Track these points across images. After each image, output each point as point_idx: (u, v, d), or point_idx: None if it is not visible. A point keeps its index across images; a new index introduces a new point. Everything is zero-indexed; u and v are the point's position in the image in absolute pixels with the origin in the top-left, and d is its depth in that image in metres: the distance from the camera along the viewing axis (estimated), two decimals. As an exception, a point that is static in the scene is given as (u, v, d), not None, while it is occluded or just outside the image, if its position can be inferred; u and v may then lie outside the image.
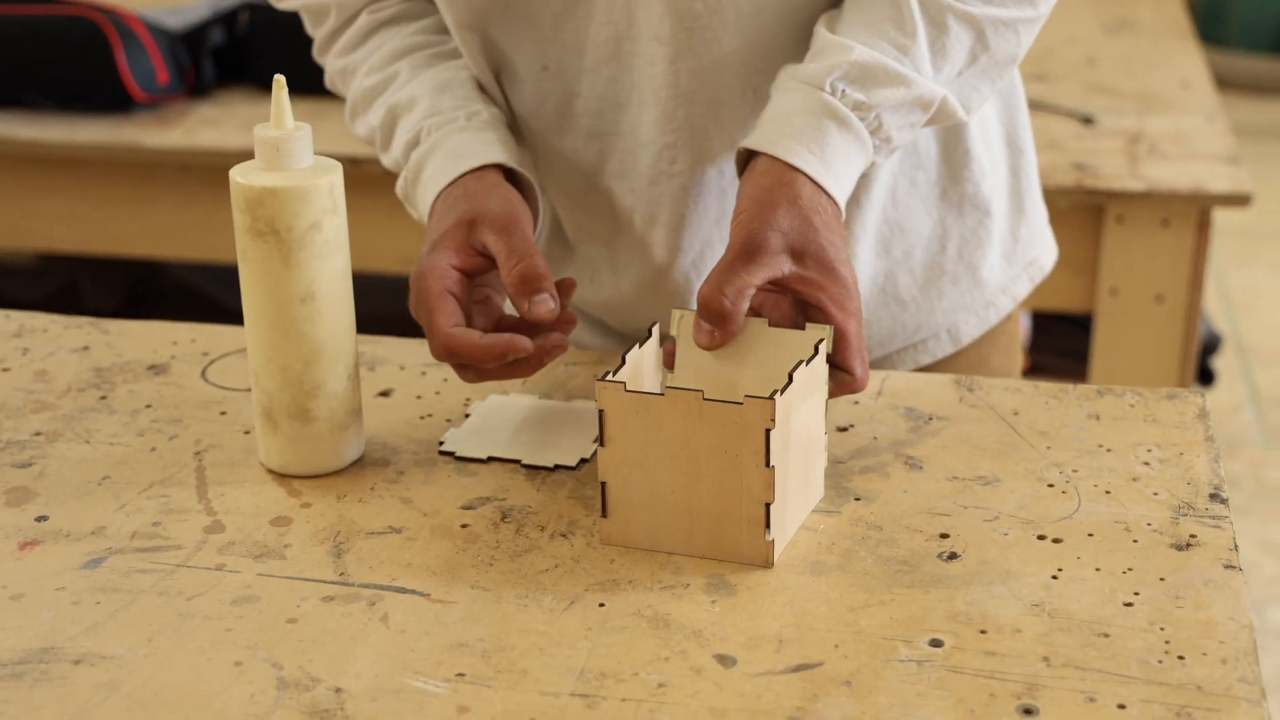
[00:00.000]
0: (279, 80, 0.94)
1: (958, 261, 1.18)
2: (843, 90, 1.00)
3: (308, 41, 1.20)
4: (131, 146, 2.04)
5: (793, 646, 0.82)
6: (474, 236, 1.00)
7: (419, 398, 1.10)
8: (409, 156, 1.09)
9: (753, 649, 0.82)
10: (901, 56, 1.00)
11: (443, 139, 1.07)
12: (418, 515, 0.95)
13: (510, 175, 1.06)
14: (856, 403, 1.06)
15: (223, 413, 1.08)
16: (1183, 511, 0.95)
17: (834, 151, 0.99)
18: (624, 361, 0.92)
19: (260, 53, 2.16)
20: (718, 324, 0.95)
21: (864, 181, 1.13)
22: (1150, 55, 2.40)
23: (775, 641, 0.83)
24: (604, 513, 0.91)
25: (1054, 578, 0.88)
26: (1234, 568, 0.89)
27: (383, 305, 1.20)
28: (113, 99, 2.07)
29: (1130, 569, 0.89)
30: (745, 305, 0.95)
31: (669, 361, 0.99)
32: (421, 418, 1.07)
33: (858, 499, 0.96)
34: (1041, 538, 0.92)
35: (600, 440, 0.90)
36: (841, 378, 0.97)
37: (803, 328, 0.96)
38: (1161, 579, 0.88)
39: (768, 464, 0.87)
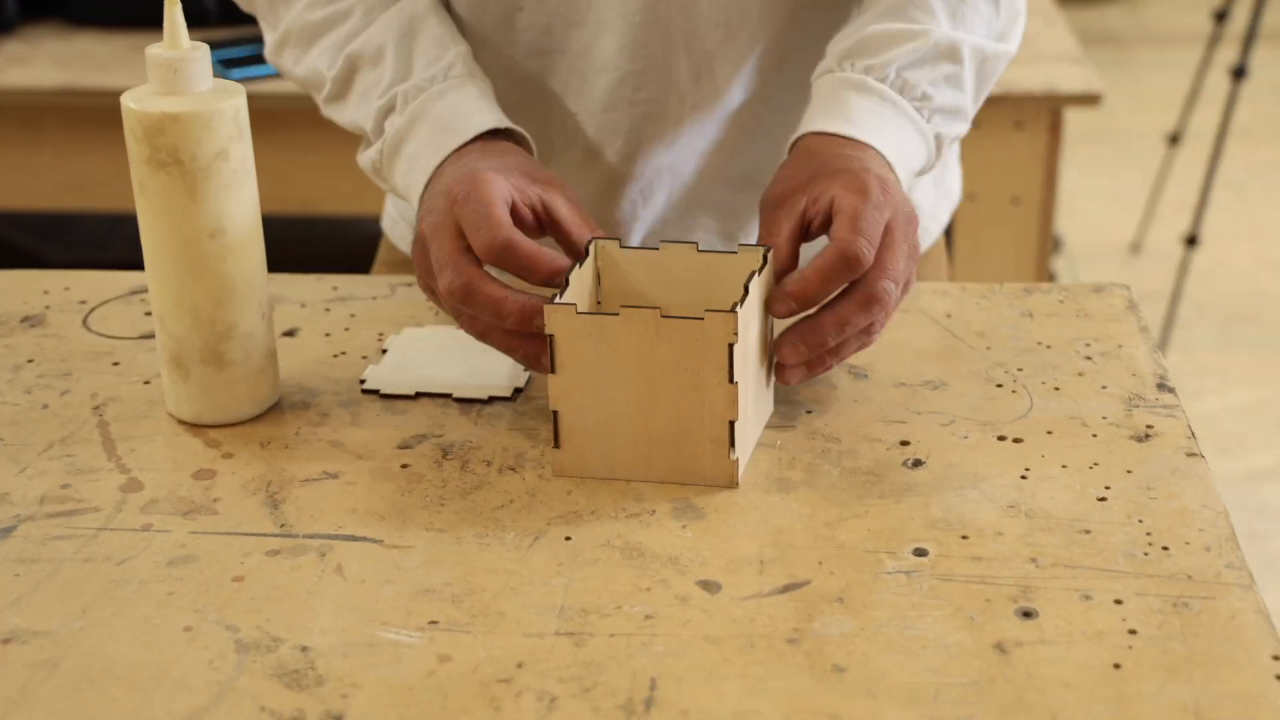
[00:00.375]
0: (171, -3, 0.87)
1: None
2: (850, 64, 0.98)
3: None
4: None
5: (775, 566, 0.79)
6: (529, 187, 0.92)
7: (327, 335, 1.04)
8: (383, 125, 1.00)
9: (734, 572, 0.79)
10: (912, 26, 1.00)
11: (424, 107, 0.99)
12: (352, 458, 0.90)
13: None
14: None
15: (115, 363, 1.01)
16: (1134, 403, 0.93)
17: (861, 113, 0.96)
18: (566, 283, 0.87)
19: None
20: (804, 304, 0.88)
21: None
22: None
23: (756, 563, 0.80)
24: (556, 443, 0.87)
25: (1023, 478, 0.86)
26: (1196, 455, 0.88)
27: (283, 250, 1.12)
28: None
29: (1096, 464, 0.87)
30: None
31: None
32: (335, 356, 1.01)
33: (809, 411, 0.93)
34: (1002, 439, 0.90)
35: (550, 367, 0.85)
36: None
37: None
38: (1129, 471, 0.87)
39: (731, 380, 0.84)
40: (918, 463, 0.88)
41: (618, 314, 0.83)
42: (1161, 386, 0.95)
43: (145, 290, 1.10)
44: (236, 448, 0.91)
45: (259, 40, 1.35)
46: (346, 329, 1.05)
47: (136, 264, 0.95)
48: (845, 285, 0.87)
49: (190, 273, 0.89)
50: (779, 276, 0.90)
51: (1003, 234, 2.01)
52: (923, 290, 1.06)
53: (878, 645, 0.73)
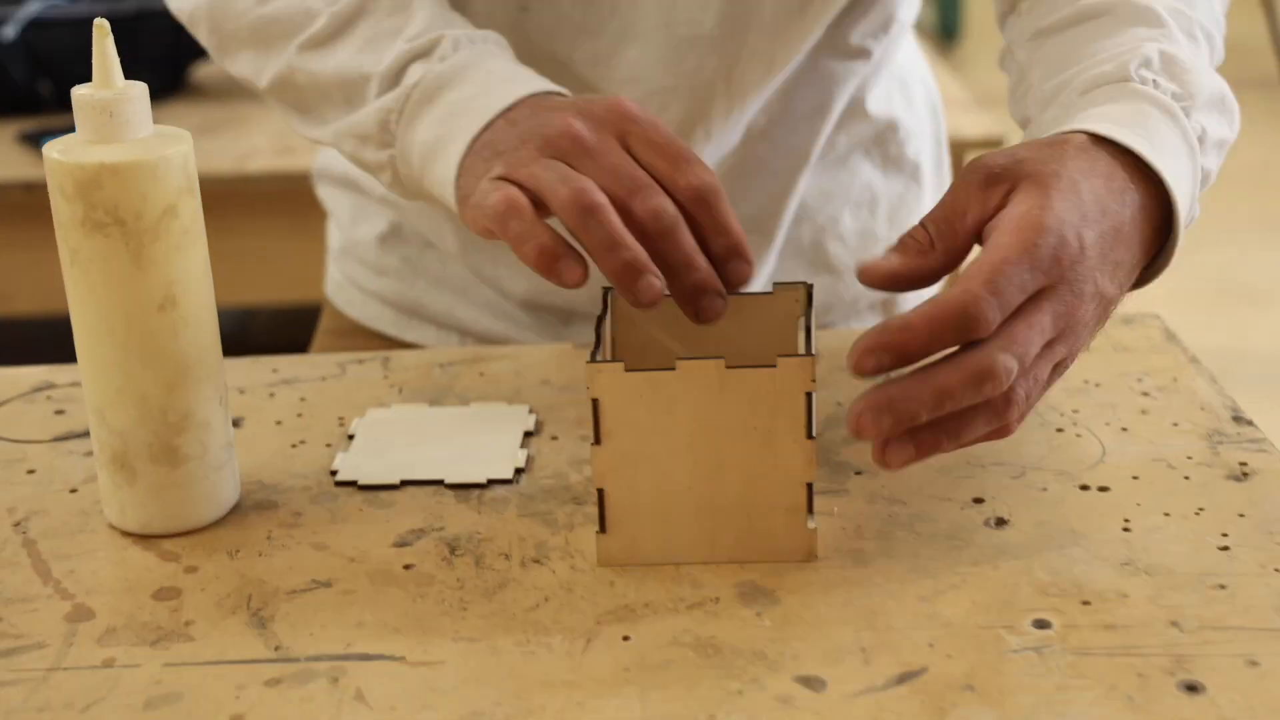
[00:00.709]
0: (101, 25, 0.73)
1: (889, 227, 1.06)
2: (1154, 80, 0.80)
3: None
4: None
5: (881, 654, 0.67)
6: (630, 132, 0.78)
7: (278, 423, 0.89)
8: (407, 71, 0.85)
9: (835, 664, 0.67)
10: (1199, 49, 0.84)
11: (476, 58, 0.84)
12: (343, 562, 0.76)
13: None
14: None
15: (30, 471, 0.85)
16: (1215, 440, 0.84)
17: (1164, 141, 0.77)
18: (599, 338, 0.74)
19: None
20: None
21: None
22: None
23: (857, 651, 0.67)
24: (602, 527, 0.74)
25: (1126, 530, 0.76)
26: (1303, 493, 0.78)
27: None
28: None
29: (1201, 509, 0.77)
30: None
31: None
32: (293, 446, 0.87)
33: (859, 473, 0.82)
34: (1085, 488, 0.80)
35: (595, 437, 0.72)
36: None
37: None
38: (1241, 515, 0.76)
39: (809, 434, 0.72)
40: (1001, 521, 0.77)
41: (674, 369, 0.71)
42: (1238, 419, 0.86)
43: (50, 386, 0.95)
44: (199, 559, 0.76)
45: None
46: (299, 415, 0.90)
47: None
48: (954, 348, 0.70)
49: (136, 353, 0.75)
50: (913, 278, 0.73)
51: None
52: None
53: (1034, 739, 0.62)
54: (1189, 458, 0.82)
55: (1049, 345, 0.71)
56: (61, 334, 0.82)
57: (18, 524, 0.80)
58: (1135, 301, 0.82)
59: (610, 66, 0.94)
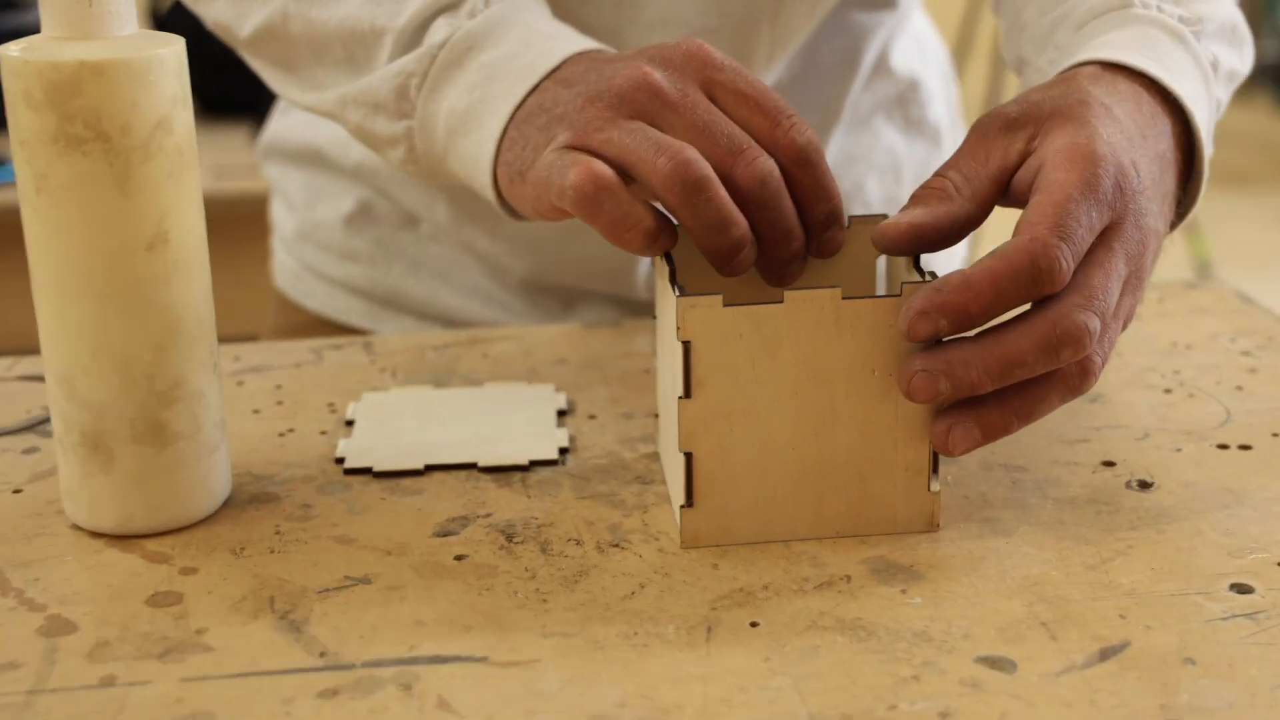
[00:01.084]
0: (74, -100, 0.59)
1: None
2: (1157, 5, 0.71)
3: None
4: None
5: (1068, 628, 0.56)
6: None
7: (256, 411, 0.75)
8: (431, 28, 0.71)
9: (1017, 642, 0.55)
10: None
11: (509, 13, 0.71)
12: (378, 556, 0.62)
13: None
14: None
15: (-41, 473, 0.70)
16: (1343, 395, 0.74)
17: (1176, 64, 0.69)
18: (673, 268, 0.62)
19: None
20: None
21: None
22: None
23: (1038, 626, 0.56)
24: (689, 500, 0.61)
25: (1290, 488, 0.66)
26: None
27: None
28: None
29: (1362, 463, 0.68)
30: None
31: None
32: (280, 435, 0.73)
33: (960, 440, 0.70)
34: (1224, 447, 0.69)
35: (685, 389, 0.60)
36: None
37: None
38: None
39: (937, 381, 0.60)
40: (1145, 484, 0.66)
41: (781, 301, 0.59)
42: (1358, 375, 0.77)
43: (-32, 382, 0.79)
44: (196, 559, 0.62)
45: None
46: (279, 402, 0.76)
47: None
48: (1025, 306, 0.60)
49: (119, 305, 0.60)
50: (940, 229, 0.62)
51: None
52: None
53: (1293, 713, 0.51)
54: (1324, 413, 0.73)
55: (1121, 295, 0.61)
56: None
57: (-45, 529, 0.65)
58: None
59: (638, 7, 0.82)
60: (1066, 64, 0.69)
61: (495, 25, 0.70)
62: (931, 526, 0.63)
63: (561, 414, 0.74)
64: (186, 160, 0.61)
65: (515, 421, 0.73)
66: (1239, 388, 0.76)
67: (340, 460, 0.70)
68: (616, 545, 0.62)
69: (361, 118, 0.74)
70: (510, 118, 0.67)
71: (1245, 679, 0.53)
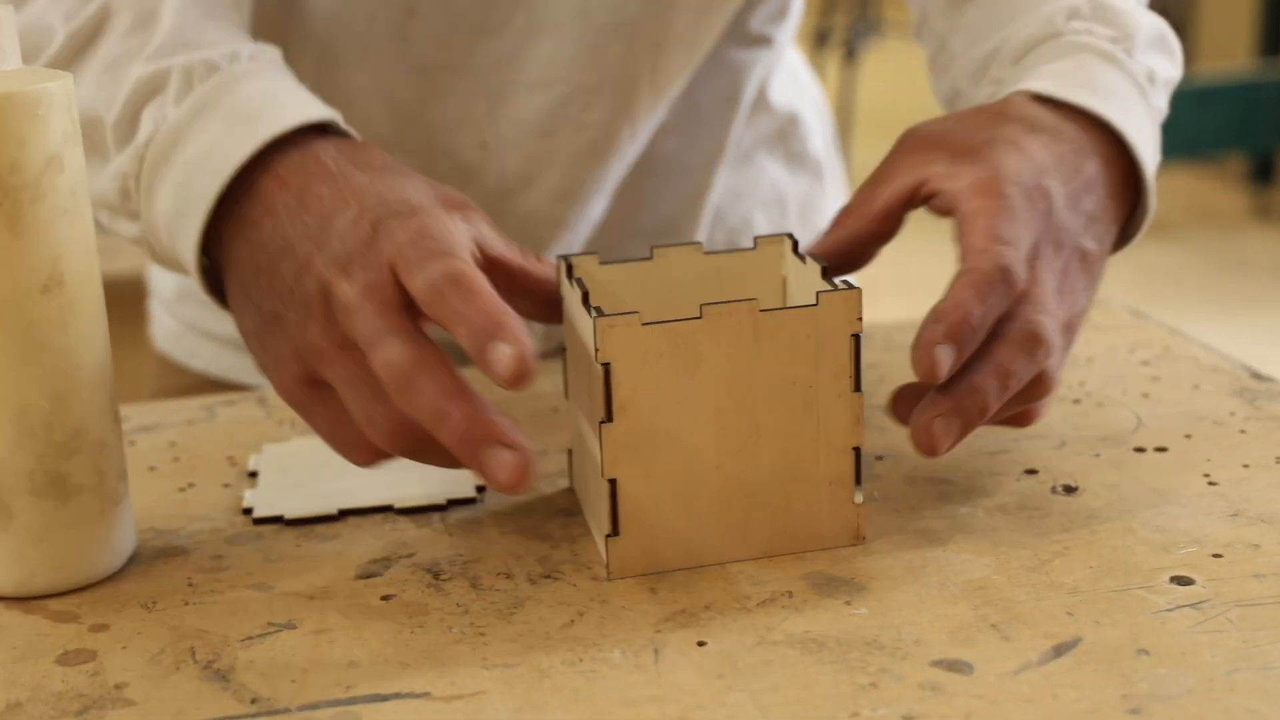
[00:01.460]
0: (-47, -70, 0.57)
1: (802, 227, 0.96)
2: (1087, 29, 0.72)
3: None
4: None
5: (1020, 628, 0.55)
6: (473, 221, 0.61)
7: (152, 469, 0.72)
8: (142, 115, 0.65)
9: (969, 645, 0.54)
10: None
11: (219, 93, 0.64)
12: (301, 601, 0.59)
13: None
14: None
15: None
16: (1248, 395, 0.75)
17: (1110, 87, 0.70)
18: (585, 292, 0.61)
19: None
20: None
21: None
22: None
23: (986, 628, 0.55)
24: (614, 529, 0.60)
25: (1211, 484, 0.66)
26: (1367, 437, 0.70)
27: None
28: None
29: (1247, 463, 0.68)
30: None
31: None
32: (181, 490, 0.70)
33: (880, 458, 0.70)
34: (1140, 450, 0.70)
35: (606, 414, 0.58)
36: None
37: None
38: (1322, 460, 0.68)
39: (857, 387, 0.60)
40: (1070, 488, 0.66)
41: (700, 316, 0.58)
42: (1258, 376, 0.78)
43: None
44: (106, 616, 0.59)
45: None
46: (175, 459, 0.73)
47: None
48: (998, 315, 0.60)
49: (14, 352, 0.57)
50: (840, 250, 0.66)
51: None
52: (896, 327, 0.85)
53: (1255, 696, 0.50)
54: (1232, 414, 0.73)
55: (1067, 301, 0.64)
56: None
57: None
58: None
59: (516, 68, 0.81)
60: (1002, 95, 0.70)
61: (199, 111, 0.64)
62: (857, 539, 0.62)
63: (451, 467, 0.72)
64: (79, 199, 0.58)
65: (414, 466, 0.70)
66: (1145, 395, 0.76)
67: (248, 511, 0.67)
68: (548, 576, 0.60)
69: (107, 220, 0.69)
70: (200, 236, 0.63)
71: (1200, 665, 0.52)
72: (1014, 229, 0.62)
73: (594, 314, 0.58)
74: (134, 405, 0.80)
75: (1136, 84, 0.71)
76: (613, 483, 0.59)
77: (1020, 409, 0.64)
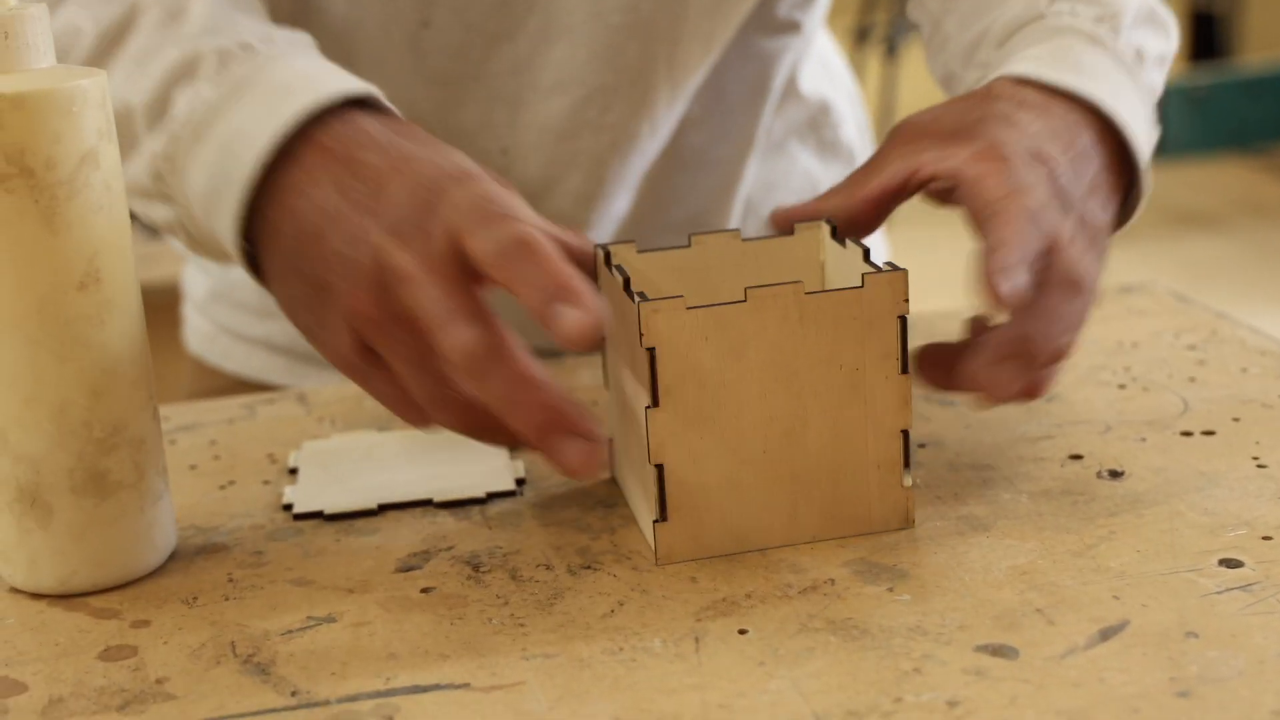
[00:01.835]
0: (-15, -70, 0.57)
1: None
2: (1070, 9, 0.71)
3: None
4: None
5: (1065, 613, 0.54)
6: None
7: (193, 467, 0.72)
8: (172, 95, 0.64)
9: (1014, 630, 0.53)
10: None
11: (255, 73, 0.64)
12: (340, 595, 0.59)
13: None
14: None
15: (-118, 547, 0.66)
16: (1295, 379, 0.74)
17: (1093, 67, 0.69)
18: (627, 278, 0.60)
19: None
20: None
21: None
22: None
23: (1033, 613, 0.54)
24: (662, 514, 0.59)
25: (1261, 466, 0.65)
26: None
27: None
28: None
29: (1326, 440, 0.67)
30: None
31: None
32: (221, 488, 0.70)
33: (921, 445, 0.69)
34: (1187, 434, 0.69)
35: (652, 399, 0.58)
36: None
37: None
38: (1374, 440, 0.67)
39: (904, 369, 0.59)
40: (1116, 473, 0.65)
41: (745, 300, 0.58)
42: (1306, 359, 0.77)
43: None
44: (148, 612, 0.59)
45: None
46: (216, 457, 0.73)
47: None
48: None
49: (51, 348, 0.57)
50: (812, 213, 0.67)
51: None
52: (927, 316, 0.85)
53: (1306, 675, 0.49)
54: (1263, 404, 0.72)
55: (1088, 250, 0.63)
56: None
57: (-116, 602, 0.61)
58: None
59: (533, 72, 0.81)
60: (1001, 72, 0.69)
61: (235, 89, 0.64)
62: (907, 522, 0.61)
63: (513, 448, 0.72)
64: (115, 196, 0.58)
65: (466, 457, 0.70)
66: (1191, 379, 0.75)
67: (288, 507, 0.67)
68: (588, 567, 0.60)
69: (141, 208, 0.69)
70: (240, 212, 0.62)
71: (1251, 648, 0.51)
72: (1027, 179, 0.61)
73: (638, 299, 0.58)
74: (175, 405, 0.81)
75: (1123, 63, 0.70)
76: (660, 468, 0.59)
77: (1035, 377, 0.62)
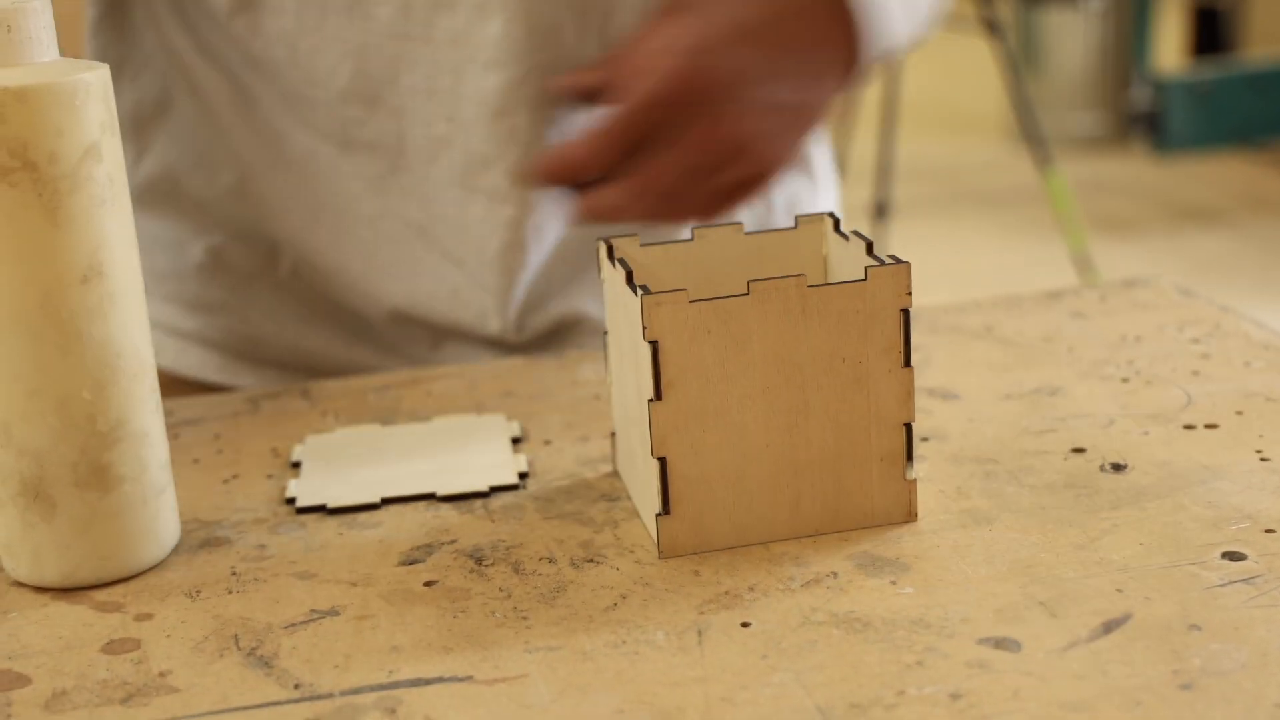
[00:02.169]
0: (-12, -77, 0.57)
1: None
2: None
3: None
4: None
5: (1069, 606, 0.54)
6: None
7: (196, 461, 0.72)
8: None
9: (1017, 623, 0.53)
10: None
11: None
12: (344, 588, 0.59)
13: None
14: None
15: (-114, 541, 0.66)
16: (1298, 372, 0.74)
17: None
18: (630, 272, 0.60)
19: None
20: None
21: None
22: None
23: (1035, 606, 0.54)
24: (665, 507, 0.59)
25: (1264, 460, 0.65)
26: None
27: None
28: None
29: (1328, 433, 0.67)
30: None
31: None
32: (224, 482, 0.70)
33: (924, 439, 0.69)
34: (1190, 427, 0.69)
35: (655, 392, 0.58)
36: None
37: None
38: (1377, 434, 0.67)
39: (907, 361, 0.59)
40: (1119, 466, 0.65)
41: (747, 293, 0.58)
42: (1310, 353, 0.77)
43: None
44: (150, 605, 0.59)
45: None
46: (219, 451, 0.73)
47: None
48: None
49: (55, 342, 0.58)
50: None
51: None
52: (929, 309, 0.85)
53: (1308, 668, 0.49)
54: (1267, 398, 0.72)
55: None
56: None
57: (-113, 596, 0.61)
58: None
59: (472, 47, 0.80)
60: None
61: None
62: (910, 516, 0.61)
63: (516, 442, 0.72)
64: (117, 189, 0.59)
65: (469, 451, 0.70)
66: (1195, 372, 0.75)
67: (291, 500, 0.67)
68: (591, 560, 0.60)
69: None
70: None
71: (1254, 640, 0.51)
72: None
73: (640, 292, 0.58)
74: (178, 399, 0.81)
75: None
76: (662, 461, 0.59)
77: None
